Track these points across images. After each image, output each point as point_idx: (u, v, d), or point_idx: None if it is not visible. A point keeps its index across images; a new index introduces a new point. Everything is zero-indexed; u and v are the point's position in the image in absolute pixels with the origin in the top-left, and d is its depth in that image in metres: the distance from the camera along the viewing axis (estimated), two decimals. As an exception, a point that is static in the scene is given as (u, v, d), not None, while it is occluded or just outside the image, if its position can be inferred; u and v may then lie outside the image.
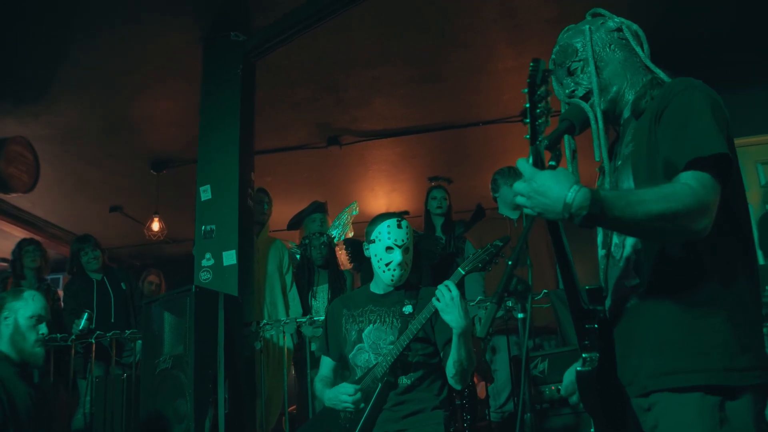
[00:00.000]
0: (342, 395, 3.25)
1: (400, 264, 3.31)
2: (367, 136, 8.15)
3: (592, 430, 3.55)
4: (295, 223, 6.67)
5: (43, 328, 3.71)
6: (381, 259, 3.35)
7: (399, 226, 3.35)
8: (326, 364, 3.61)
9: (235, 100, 5.75)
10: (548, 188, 1.74)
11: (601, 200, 1.72)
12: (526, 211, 1.79)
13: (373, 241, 3.39)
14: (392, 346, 3.17)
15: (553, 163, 2.07)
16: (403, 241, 3.33)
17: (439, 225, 6.36)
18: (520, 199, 1.79)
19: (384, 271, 3.34)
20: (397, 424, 3.23)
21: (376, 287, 3.48)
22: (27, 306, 3.69)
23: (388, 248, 3.33)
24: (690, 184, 1.77)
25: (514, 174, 5.49)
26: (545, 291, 4.84)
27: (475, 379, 5.94)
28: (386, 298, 3.41)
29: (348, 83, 7.07)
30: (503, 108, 7.68)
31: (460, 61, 6.76)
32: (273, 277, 5.96)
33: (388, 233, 3.33)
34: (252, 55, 5.97)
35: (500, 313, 1.85)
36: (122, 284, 6.49)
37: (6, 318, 3.62)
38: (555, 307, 4.75)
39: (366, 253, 3.47)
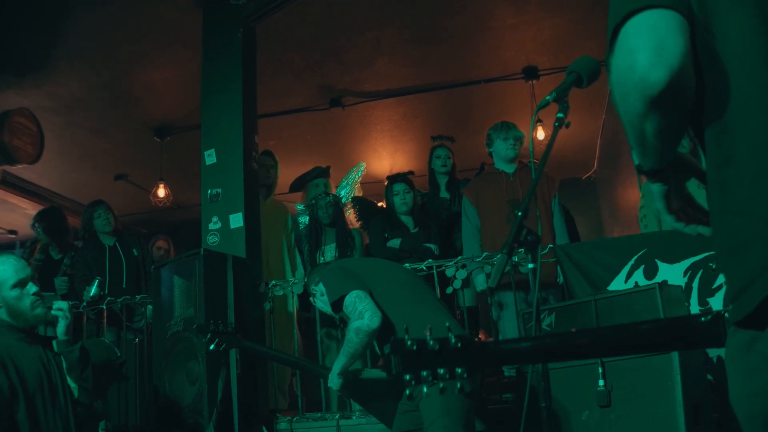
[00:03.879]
0: None
1: None
2: (369, 96, 8.12)
3: (601, 381, 3.58)
4: (297, 186, 6.65)
5: (31, 288, 3.48)
6: None
7: None
8: None
9: (236, 64, 5.72)
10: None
11: None
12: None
13: None
14: None
15: (560, 115, 2.06)
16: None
17: (443, 184, 6.34)
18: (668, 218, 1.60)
19: None
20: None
21: None
22: (3, 279, 3.42)
23: None
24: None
25: (507, 128, 5.48)
26: (550, 246, 4.86)
27: (482, 336, 5.98)
28: None
29: (349, 44, 7.03)
30: (504, 66, 7.63)
31: (461, 19, 6.70)
32: (279, 239, 5.97)
33: None
34: (251, 19, 5.92)
35: (507, 269, 1.85)
36: (134, 250, 6.47)
37: None
38: (560, 261, 4.76)
39: None
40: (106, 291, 5.86)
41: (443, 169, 6.32)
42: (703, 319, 1.40)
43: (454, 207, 6.13)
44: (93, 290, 5.69)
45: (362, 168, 6.63)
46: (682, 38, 1.24)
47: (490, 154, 5.63)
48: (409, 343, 1.39)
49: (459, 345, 1.39)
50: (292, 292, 5.29)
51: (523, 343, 1.50)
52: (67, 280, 6.26)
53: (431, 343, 1.40)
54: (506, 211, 5.28)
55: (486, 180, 5.56)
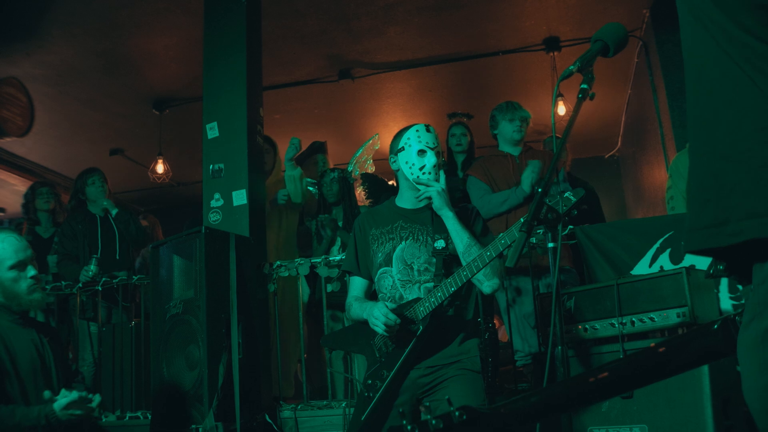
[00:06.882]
0: (376, 311, 3.15)
1: (435, 166, 3.28)
2: (380, 68, 8.10)
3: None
4: None
5: (30, 271, 3.49)
6: (414, 164, 3.30)
7: (428, 131, 3.34)
8: (358, 284, 3.50)
9: (240, 33, 5.70)
10: None
11: None
12: None
13: (402, 149, 3.34)
14: (437, 290, 3.08)
15: (585, 86, 2.06)
16: (435, 144, 3.32)
17: (460, 162, 6.34)
18: None
19: (419, 177, 3.29)
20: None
21: (404, 202, 3.42)
22: (2, 258, 3.44)
23: (420, 151, 3.28)
24: None
25: (513, 109, 5.46)
26: (571, 227, 4.86)
27: (496, 322, 5.99)
28: (418, 215, 3.36)
29: (359, 12, 7.00)
30: (524, 36, 7.59)
31: (479, -15, 6.68)
32: (294, 215, 5.91)
33: (419, 138, 3.30)
34: (257, -17, 5.91)
35: (524, 250, 1.82)
36: (128, 223, 6.42)
37: None
38: (581, 244, 4.76)
39: (394, 165, 3.41)
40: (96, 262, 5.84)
41: (458, 148, 6.33)
42: (715, 326, 1.41)
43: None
44: (92, 269, 5.71)
45: (376, 141, 6.60)
46: None
47: (495, 136, 5.63)
48: (409, 428, 1.31)
49: (464, 417, 1.33)
50: (298, 273, 5.30)
51: (532, 398, 1.45)
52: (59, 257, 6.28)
53: (434, 422, 1.32)
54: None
55: (492, 162, 5.52)
